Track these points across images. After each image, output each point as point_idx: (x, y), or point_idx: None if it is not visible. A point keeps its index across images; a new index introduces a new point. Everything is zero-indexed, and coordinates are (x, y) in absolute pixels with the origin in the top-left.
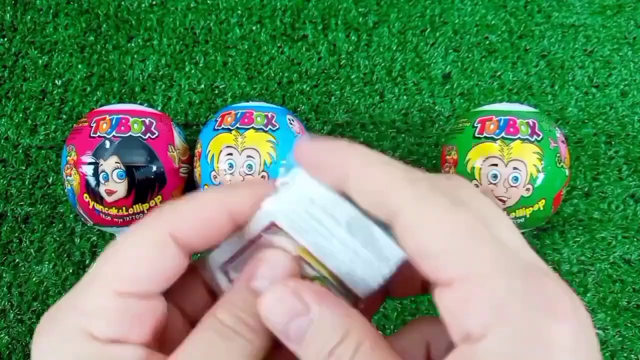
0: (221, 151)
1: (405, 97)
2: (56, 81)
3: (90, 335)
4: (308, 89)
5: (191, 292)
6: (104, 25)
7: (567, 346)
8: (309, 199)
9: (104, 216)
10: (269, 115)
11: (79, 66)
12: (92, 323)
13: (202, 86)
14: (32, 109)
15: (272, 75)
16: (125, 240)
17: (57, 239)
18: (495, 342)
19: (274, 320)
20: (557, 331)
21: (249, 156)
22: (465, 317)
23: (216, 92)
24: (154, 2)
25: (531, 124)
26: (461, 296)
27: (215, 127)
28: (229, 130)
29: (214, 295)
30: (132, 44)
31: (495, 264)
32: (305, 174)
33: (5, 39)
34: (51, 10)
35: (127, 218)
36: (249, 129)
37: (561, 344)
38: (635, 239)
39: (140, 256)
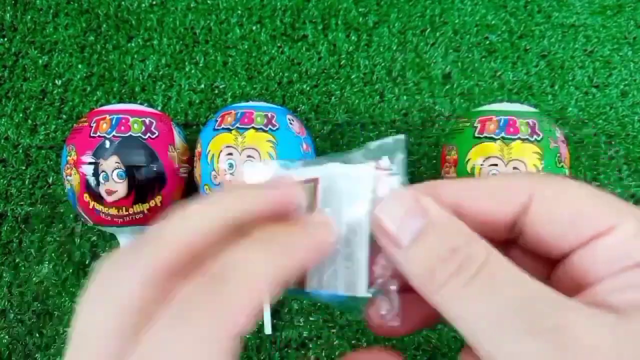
0: (221, 151)
1: (405, 97)
2: (56, 81)
3: None
4: (308, 89)
5: None
6: (104, 25)
7: None
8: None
9: (104, 216)
10: (269, 115)
11: (79, 66)
12: None
13: (202, 86)
14: (32, 109)
15: (272, 75)
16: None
17: (57, 239)
18: None
19: (388, 222)
20: None
21: (249, 156)
22: (636, 250)
23: (216, 92)
24: (154, 2)
25: (531, 124)
26: (628, 234)
27: (215, 127)
28: (229, 130)
29: None
30: (132, 44)
31: (636, 211)
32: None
33: (5, 39)
34: (51, 10)
35: (127, 218)
36: (249, 128)
37: None
38: None
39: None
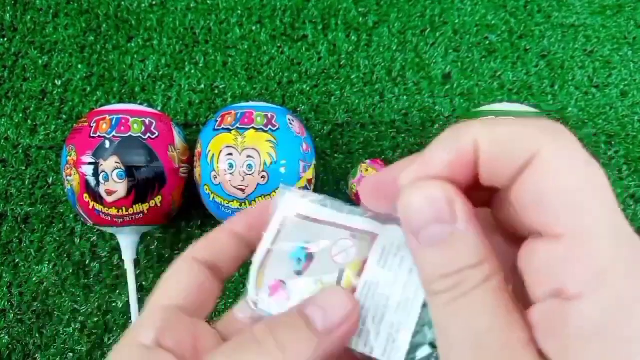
0: (221, 151)
1: (405, 97)
2: (56, 81)
3: (138, 343)
4: (308, 89)
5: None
6: (104, 25)
7: None
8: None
9: (104, 216)
10: (269, 115)
11: (79, 66)
12: (140, 332)
13: (202, 86)
14: (32, 109)
15: (272, 75)
16: (168, 272)
17: (57, 239)
18: (591, 304)
19: (415, 217)
20: None
21: (248, 156)
22: (564, 273)
23: (216, 92)
24: (154, 2)
25: None
26: (566, 251)
27: (215, 127)
28: (229, 130)
29: None
30: (132, 44)
31: (610, 228)
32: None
33: (5, 39)
34: (51, 10)
35: (127, 218)
36: (249, 129)
37: None
38: None
39: (178, 278)
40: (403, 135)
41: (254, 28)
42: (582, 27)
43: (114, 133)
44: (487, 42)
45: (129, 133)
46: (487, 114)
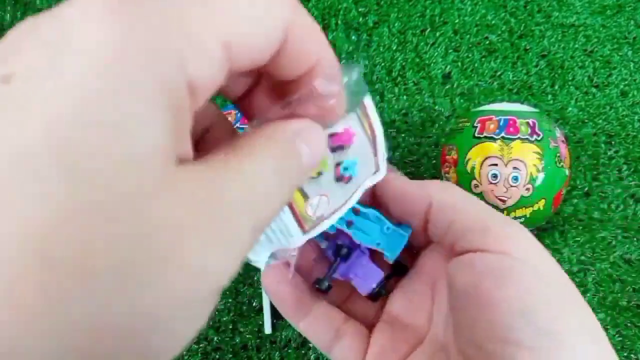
0: None
1: (405, 97)
2: None
3: (186, 79)
4: None
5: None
6: None
7: None
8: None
9: None
10: None
11: None
12: (192, 64)
13: None
14: None
15: None
16: None
17: None
18: None
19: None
20: None
21: None
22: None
23: (216, 92)
24: None
25: (531, 123)
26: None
27: None
28: None
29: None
30: None
31: None
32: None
33: None
34: None
35: None
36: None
37: None
38: (635, 239)
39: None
40: (403, 135)
41: None
42: (582, 27)
43: None
44: (487, 42)
45: None
46: (487, 114)
